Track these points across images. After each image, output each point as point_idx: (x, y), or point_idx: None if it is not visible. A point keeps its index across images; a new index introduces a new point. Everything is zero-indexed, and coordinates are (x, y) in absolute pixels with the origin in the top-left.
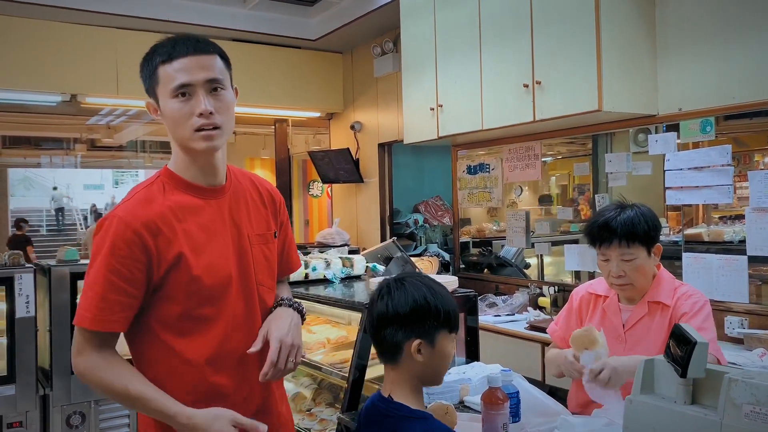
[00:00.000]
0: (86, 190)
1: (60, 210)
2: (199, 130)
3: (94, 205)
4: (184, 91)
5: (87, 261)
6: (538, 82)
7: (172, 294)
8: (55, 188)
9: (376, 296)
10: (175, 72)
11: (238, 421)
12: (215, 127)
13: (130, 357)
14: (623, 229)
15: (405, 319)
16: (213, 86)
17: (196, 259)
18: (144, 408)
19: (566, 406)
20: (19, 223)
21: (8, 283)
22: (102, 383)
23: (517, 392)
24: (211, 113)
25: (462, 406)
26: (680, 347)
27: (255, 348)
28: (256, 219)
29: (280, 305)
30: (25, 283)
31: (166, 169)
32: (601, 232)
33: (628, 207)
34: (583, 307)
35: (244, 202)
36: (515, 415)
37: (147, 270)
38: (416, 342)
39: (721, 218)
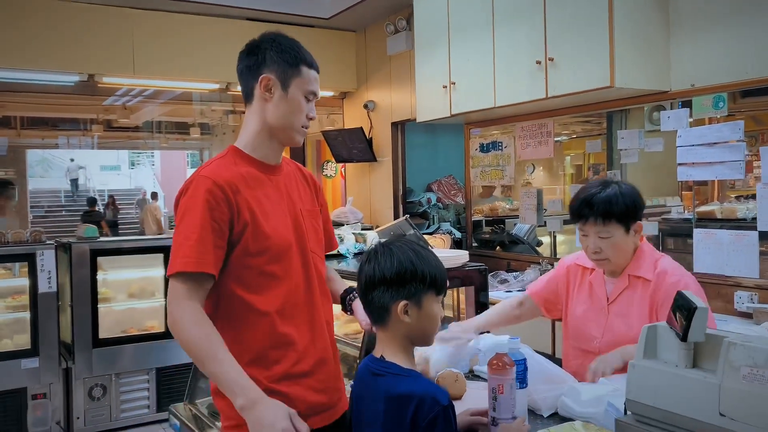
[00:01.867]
0: (103, 171)
1: (74, 181)
2: (304, 126)
3: (112, 197)
4: (311, 97)
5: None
6: (551, 59)
7: (247, 250)
8: (72, 159)
9: (365, 261)
10: (313, 79)
11: (295, 417)
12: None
13: None
14: (599, 208)
15: (391, 282)
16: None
17: (265, 220)
18: (215, 373)
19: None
20: (92, 202)
21: (31, 259)
22: (190, 336)
23: (524, 359)
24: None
25: (472, 375)
26: (681, 312)
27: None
28: (304, 196)
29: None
30: (47, 259)
31: (234, 147)
32: (581, 209)
33: (611, 185)
34: (571, 278)
35: (295, 181)
36: (522, 381)
37: (230, 222)
38: (402, 303)
39: (737, 197)
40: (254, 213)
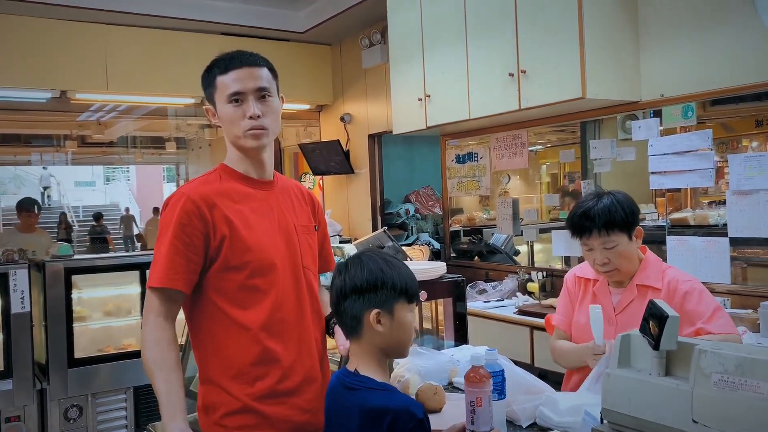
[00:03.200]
0: (78, 187)
1: (46, 189)
2: (249, 130)
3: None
4: (237, 98)
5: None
6: (523, 71)
7: (228, 264)
8: (45, 168)
9: (336, 274)
10: (230, 81)
11: None
12: (262, 128)
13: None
14: (601, 219)
15: (361, 290)
16: (261, 94)
17: (248, 233)
18: (158, 395)
19: (557, 389)
20: (97, 217)
21: (2, 279)
22: (148, 354)
23: (502, 371)
24: (259, 116)
25: (451, 387)
26: (654, 320)
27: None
28: (300, 212)
29: None
30: (19, 278)
31: (223, 165)
32: (581, 223)
33: (605, 195)
34: (574, 291)
35: (290, 197)
36: (500, 392)
37: (205, 238)
38: (374, 312)
39: (709, 203)
40: (233, 226)
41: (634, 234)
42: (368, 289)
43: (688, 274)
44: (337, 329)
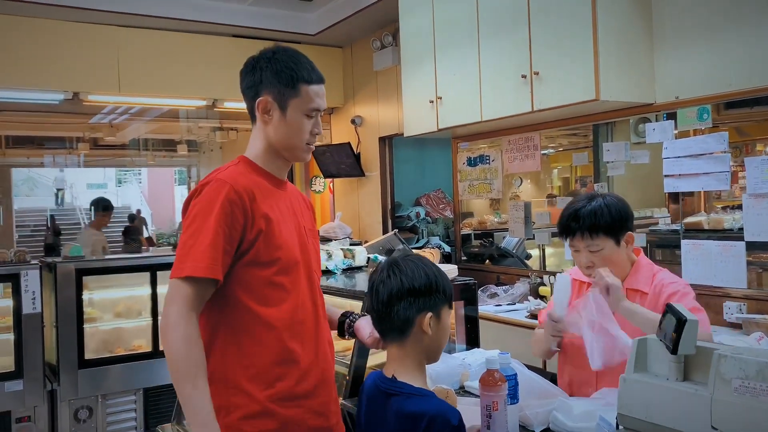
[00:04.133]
0: (90, 189)
1: (60, 191)
2: (309, 144)
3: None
4: (314, 114)
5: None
6: (536, 73)
7: (258, 259)
8: (61, 170)
9: (385, 274)
10: (314, 95)
11: None
12: (314, 145)
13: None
14: (586, 222)
15: (419, 293)
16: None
17: (280, 229)
18: (188, 396)
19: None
20: (132, 218)
21: (14, 279)
22: (178, 351)
23: (515, 374)
24: (317, 134)
25: (462, 391)
26: (671, 325)
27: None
28: (306, 216)
29: (363, 315)
30: (31, 279)
31: (245, 158)
32: (568, 224)
33: (596, 198)
34: (573, 291)
35: (297, 201)
36: (513, 396)
37: (242, 230)
38: (429, 315)
39: (723, 208)
40: (270, 221)
41: (623, 239)
42: (425, 291)
43: (677, 277)
44: (360, 324)
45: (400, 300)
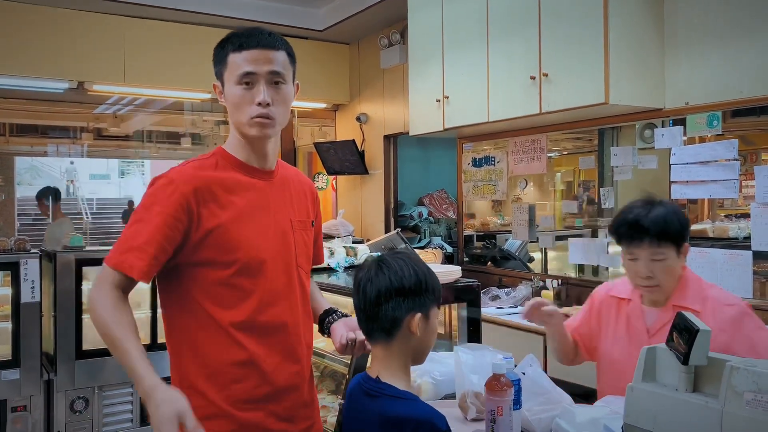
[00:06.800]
0: (92, 179)
1: (70, 183)
2: (255, 117)
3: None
4: (248, 80)
5: (92, 248)
6: (545, 75)
7: (212, 260)
8: (72, 162)
9: (373, 271)
10: (242, 61)
11: (184, 417)
12: (269, 117)
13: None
14: (655, 228)
15: (408, 292)
16: (274, 79)
17: (237, 230)
18: (122, 360)
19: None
20: (132, 203)
21: (14, 268)
22: (105, 318)
23: (518, 380)
24: (268, 104)
25: None
26: (682, 335)
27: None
28: (298, 206)
29: (345, 315)
30: (30, 268)
31: (221, 149)
32: (631, 230)
33: (657, 203)
34: (604, 311)
35: (289, 189)
36: (516, 402)
37: (185, 230)
38: (418, 315)
39: (726, 216)
40: (223, 221)
41: (682, 250)
42: (415, 291)
43: (731, 294)
44: (336, 326)
45: (389, 299)
